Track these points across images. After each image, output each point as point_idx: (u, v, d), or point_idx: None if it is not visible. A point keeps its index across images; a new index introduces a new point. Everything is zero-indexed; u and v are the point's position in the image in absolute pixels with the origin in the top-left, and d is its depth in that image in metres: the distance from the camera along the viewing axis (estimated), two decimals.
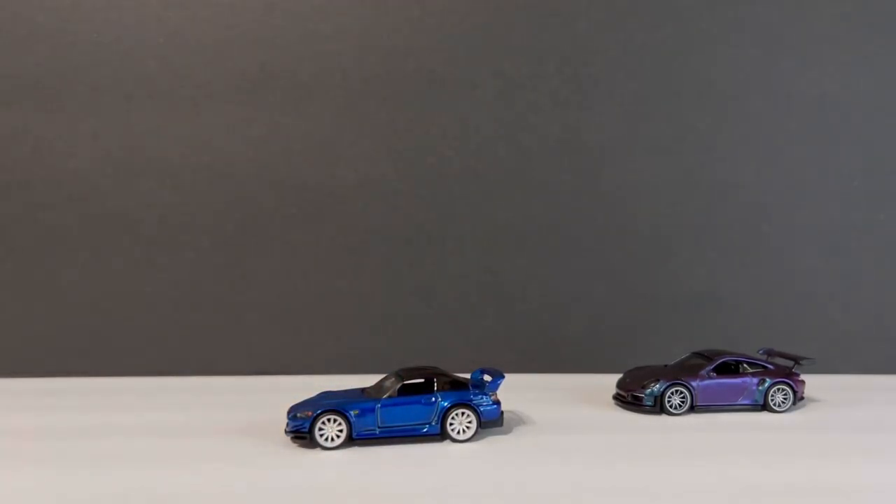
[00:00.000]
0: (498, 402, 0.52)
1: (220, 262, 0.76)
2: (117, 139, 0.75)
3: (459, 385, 0.52)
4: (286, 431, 0.50)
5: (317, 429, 0.50)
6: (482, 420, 0.51)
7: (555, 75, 0.77)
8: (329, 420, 0.50)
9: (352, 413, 0.50)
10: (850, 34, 0.78)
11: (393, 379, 0.53)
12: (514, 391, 0.63)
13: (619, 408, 0.60)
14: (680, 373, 0.60)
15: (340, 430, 0.50)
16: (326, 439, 0.50)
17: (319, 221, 0.74)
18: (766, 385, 0.60)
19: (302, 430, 0.50)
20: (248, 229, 0.75)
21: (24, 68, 0.74)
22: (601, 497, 0.39)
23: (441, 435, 0.50)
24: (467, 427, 0.51)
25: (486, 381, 0.53)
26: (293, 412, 0.51)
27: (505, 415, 0.54)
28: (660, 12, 0.77)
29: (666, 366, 0.64)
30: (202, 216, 0.75)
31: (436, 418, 0.51)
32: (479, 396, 0.51)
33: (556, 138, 0.77)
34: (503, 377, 0.53)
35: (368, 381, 0.58)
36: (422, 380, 0.53)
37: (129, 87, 0.74)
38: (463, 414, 0.51)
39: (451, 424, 0.51)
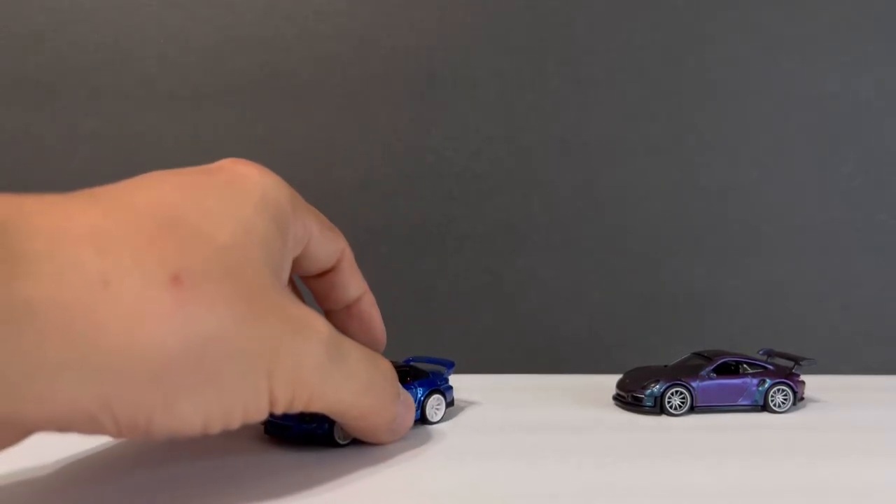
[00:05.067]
0: (450, 386, 0.54)
1: None
2: (117, 139, 0.75)
3: (424, 374, 0.54)
4: (266, 432, 0.50)
5: None
6: (447, 402, 0.52)
7: (555, 75, 0.77)
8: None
9: None
10: (850, 34, 0.78)
11: None
12: (514, 391, 0.63)
13: (619, 408, 0.60)
14: (680, 373, 0.60)
15: None
16: None
17: None
18: (766, 385, 0.60)
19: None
20: None
21: (24, 68, 0.74)
22: (601, 497, 0.39)
23: (421, 420, 0.51)
24: (437, 409, 0.52)
25: (442, 370, 0.54)
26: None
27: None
28: (660, 12, 0.77)
29: (666, 366, 0.64)
30: None
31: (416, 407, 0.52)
32: (442, 381, 0.52)
33: (556, 138, 0.77)
34: (454, 364, 0.55)
35: None
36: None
37: (129, 87, 0.74)
38: (435, 398, 0.52)
39: (427, 410, 0.52)
